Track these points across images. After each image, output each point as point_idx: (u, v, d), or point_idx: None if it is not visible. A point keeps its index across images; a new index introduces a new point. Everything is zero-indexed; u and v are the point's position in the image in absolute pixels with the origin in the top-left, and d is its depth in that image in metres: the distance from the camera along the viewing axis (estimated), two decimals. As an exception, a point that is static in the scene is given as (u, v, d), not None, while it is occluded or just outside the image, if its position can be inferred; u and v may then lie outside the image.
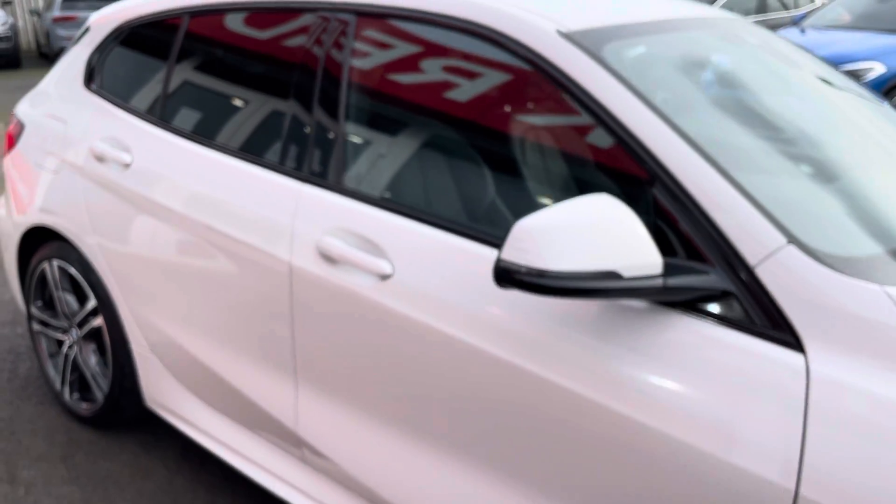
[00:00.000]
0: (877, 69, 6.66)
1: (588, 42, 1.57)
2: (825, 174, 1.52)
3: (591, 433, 1.38)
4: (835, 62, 6.76)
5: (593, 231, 1.23)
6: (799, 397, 1.19)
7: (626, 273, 1.23)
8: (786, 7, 10.27)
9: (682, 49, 1.75)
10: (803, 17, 8.44)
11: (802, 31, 7.79)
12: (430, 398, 1.62)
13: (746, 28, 2.04)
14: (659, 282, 1.26)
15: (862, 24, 7.68)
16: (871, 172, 1.60)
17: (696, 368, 1.28)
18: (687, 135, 1.40)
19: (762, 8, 9.88)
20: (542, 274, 1.21)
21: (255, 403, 2.03)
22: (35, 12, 17.28)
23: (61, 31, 13.08)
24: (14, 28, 14.32)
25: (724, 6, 9.57)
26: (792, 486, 1.17)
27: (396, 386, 1.68)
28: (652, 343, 1.32)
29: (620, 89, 1.46)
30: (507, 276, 1.23)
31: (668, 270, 1.28)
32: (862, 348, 1.18)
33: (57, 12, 13.27)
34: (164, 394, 2.38)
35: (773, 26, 9.18)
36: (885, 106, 2.06)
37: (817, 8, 8.53)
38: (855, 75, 6.64)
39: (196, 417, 2.29)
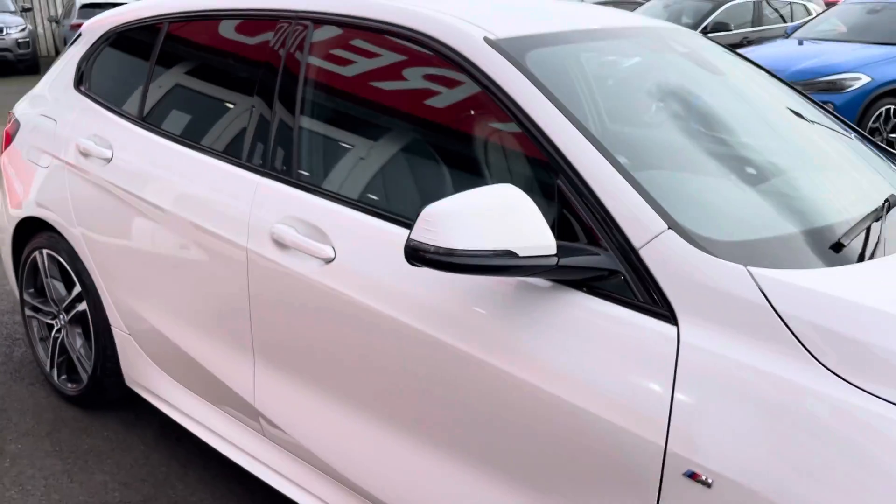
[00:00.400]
0: (862, 79, 6.79)
1: (511, 49, 1.74)
2: (714, 169, 1.68)
3: (498, 397, 1.54)
4: (821, 73, 6.90)
5: (494, 215, 1.39)
6: (670, 363, 1.34)
7: (522, 253, 1.39)
8: (783, 19, 10.40)
9: (601, 56, 1.92)
10: (795, 28, 8.58)
11: (800, 42, 7.91)
12: (365, 370, 1.78)
13: (678, 37, 2.19)
14: (553, 261, 1.42)
15: (851, 36, 7.82)
16: (761, 166, 1.76)
17: (587, 339, 1.44)
18: (590, 133, 1.57)
19: (758, 21, 10.02)
20: (446, 252, 1.37)
21: (219, 380, 2.20)
22: (53, 19, 17.70)
23: (77, 38, 13.35)
24: (33, 34, 14.69)
25: (720, 18, 9.72)
26: (662, 441, 1.33)
27: (337, 360, 1.84)
28: (553, 317, 1.48)
29: (536, 93, 1.63)
30: (416, 254, 1.40)
31: (564, 252, 1.44)
32: (726, 320, 1.33)
33: (75, 19, 13.59)
34: (142, 374, 2.55)
35: (769, 38, 9.31)
36: (809, 106, 2.22)
37: (810, 19, 8.66)
38: (837, 84, 6.78)
39: (170, 395, 2.47)
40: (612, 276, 1.45)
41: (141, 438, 2.68)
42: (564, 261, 1.43)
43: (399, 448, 1.77)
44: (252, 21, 2.21)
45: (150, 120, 2.43)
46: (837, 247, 1.49)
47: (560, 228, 1.54)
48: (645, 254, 1.42)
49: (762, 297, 1.32)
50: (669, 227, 1.43)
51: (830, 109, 2.41)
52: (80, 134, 2.59)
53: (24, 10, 15.93)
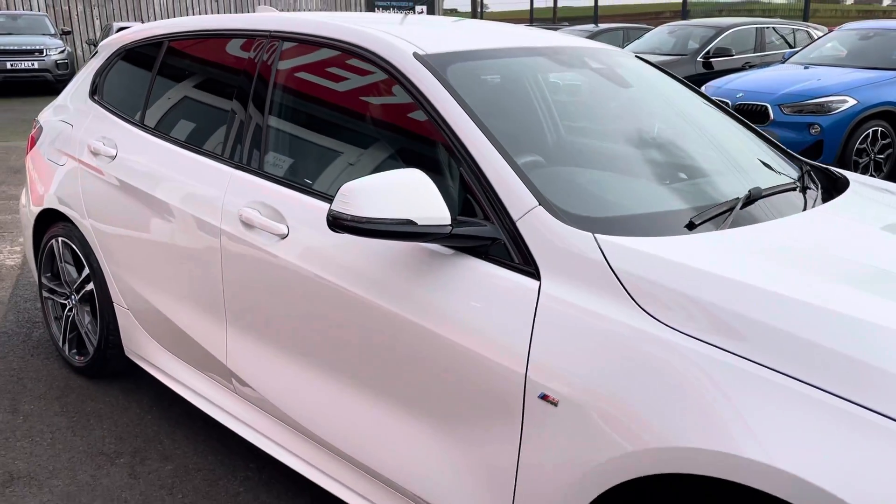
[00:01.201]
0: (848, 102, 7.06)
1: (435, 63, 2.10)
2: (585, 160, 2.03)
3: (412, 345, 1.88)
4: (809, 96, 7.18)
5: (399, 192, 1.74)
6: (531, 309, 1.68)
7: (420, 222, 1.74)
8: (788, 45, 10.68)
9: (513, 70, 2.28)
10: (793, 54, 8.86)
11: (806, 66, 8.19)
12: (312, 329, 2.14)
13: (596, 55, 2.54)
14: (447, 230, 1.76)
15: (846, 60, 8.10)
16: (629, 159, 2.10)
17: (476, 294, 1.77)
18: (489, 132, 1.91)
19: (761, 46, 10.31)
20: (357, 220, 1.73)
21: (200, 345, 2.57)
22: (91, 42, 18.56)
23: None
24: (72, 56, 15.48)
25: (722, 44, 10.03)
26: (523, 370, 1.66)
27: (290, 322, 2.20)
28: (453, 277, 1.82)
29: (450, 99, 1.98)
30: (335, 222, 1.75)
31: (458, 224, 1.79)
32: (575, 274, 1.67)
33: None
34: (138, 344, 2.93)
35: (771, 63, 9.59)
36: (716, 112, 2.55)
37: (808, 45, 8.95)
38: (825, 107, 7.05)
39: (161, 363, 2.84)
40: (496, 243, 1.79)
41: (138, 403, 3.05)
42: (458, 230, 1.78)
43: (341, 395, 2.12)
44: (235, 38, 2.61)
45: (148, 122, 2.83)
46: (670, 220, 1.82)
47: (463, 207, 1.89)
48: (520, 225, 1.76)
49: (602, 256, 1.65)
50: (539, 204, 1.77)
51: (736, 115, 2.74)
52: (91, 136, 3.00)
53: (64, 34, 16.77)
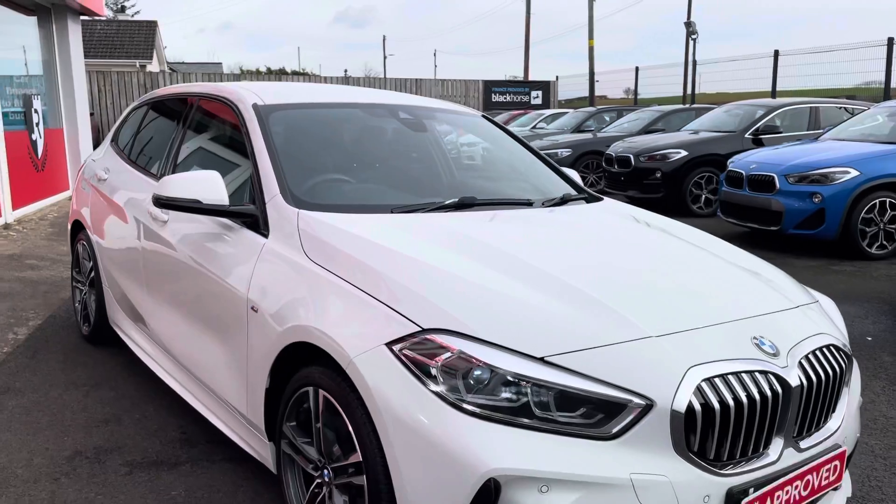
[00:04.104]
0: (851, 173, 7.38)
1: (263, 111, 3.13)
2: (354, 175, 2.97)
3: (208, 289, 2.86)
4: (813, 167, 7.57)
5: (197, 184, 2.76)
6: (256, 256, 2.62)
7: (205, 201, 2.75)
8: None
9: (327, 117, 3.27)
10: (827, 131, 9.16)
11: (831, 141, 8.57)
12: (171, 281, 3.17)
13: (413, 109, 3.49)
14: (225, 207, 2.75)
15: (873, 137, 8.33)
16: (371, 171, 3.04)
17: (238, 249, 2.73)
18: (273, 150, 2.90)
19: (815, 125, 10.57)
20: (163, 198, 2.76)
21: (134, 306, 3.67)
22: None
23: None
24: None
25: (770, 122, 10.40)
26: (245, 294, 2.59)
27: (163, 278, 3.25)
28: (233, 240, 2.80)
29: (259, 132, 3.00)
30: (155, 200, 2.80)
31: (233, 204, 2.78)
32: (283, 233, 2.59)
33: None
34: (114, 314, 4.09)
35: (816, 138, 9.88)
36: (512, 145, 3.42)
37: (839, 123, 9.24)
38: (828, 177, 7.41)
39: (123, 325, 3.97)
40: (254, 218, 2.76)
41: (113, 359, 4.19)
42: (233, 208, 2.77)
43: (186, 325, 3.12)
44: (176, 98, 3.80)
45: (127, 153, 4.07)
46: (374, 210, 2.72)
47: (251, 198, 2.88)
48: (268, 206, 2.73)
49: (295, 221, 2.58)
50: (280, 193, 2.73)
51: (546, 159, 3.58)
52: (100, 167, 4.28)
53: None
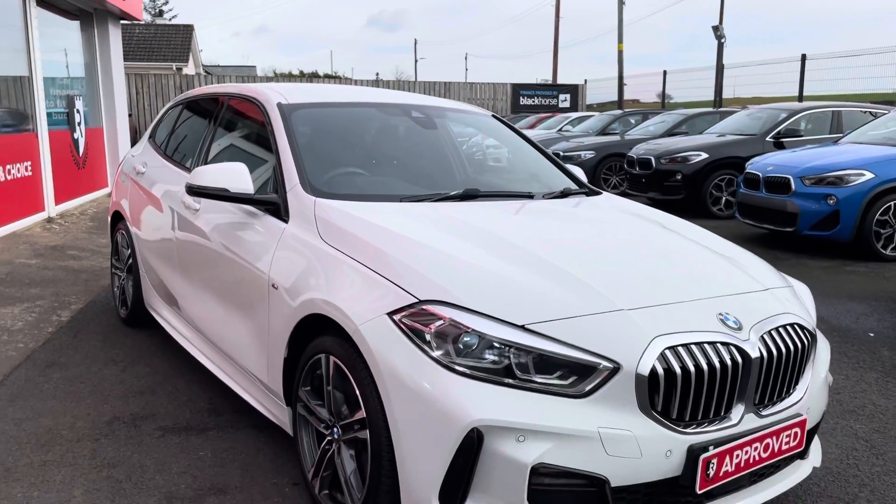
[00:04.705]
0: (865, 176, 7.49)
1: (286, 110, 3.41)
2: (351, 164, 3.24)
3: (240, 274, 3.14)
4: (829, 169, 7.69)
5: (224, 173, 3.05)
6: (277, 239, 2.90)
7: (232, 190, 3.04)
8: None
9: (346, 115, 3.55)
10: (846, 135, 9.25)
11: (849, 145, 8.67)
12: (206, 268, 3.46)
13: (425, 109, 3.75)
14: (250, 195, 3.04)
15: (891, 140, 8.42)
16: (385, 167, 3.30)
17: (262, 234, 3.01)
18: (295, 145, 3.18)
19: (837, 128, 10.64)
20: (195, 187, 3.05)
21: (168, 289, 3.98)
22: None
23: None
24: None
25: (792, 126, 10.49)
26: (267, 273, 2.87)
27: (197, 264, 3.54)
28: (257, 226, 3.08)
29: (282, 128, 3.28)
30: (188, 189, 3.09)
31: (258, 193, 3.06)
32: (302, 219, 2.87)
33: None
34: (149, 298, 4.41)
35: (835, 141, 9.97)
36: (522, 144, 3.67)
37: (858, 127, 9.32)
38: (844, 180, 7.53)
39: (158, 308, 4.28)
40: (276, 205, 3.04)
41: (151, 340, 4.51)
42: (257, 196, 3.05)
43: (215, 305, 3.41)
44: (208, 98, 4.11)
45: (164, 148, 4.39)
46: (383, 199, 2.98)
47: (274, 188, 3.16)
48: (289, 194, 3.00)
49: (313, 208, 2.85)
50: (300, 184, 3.00)
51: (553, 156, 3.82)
52: (138, 161, 4.61)
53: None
